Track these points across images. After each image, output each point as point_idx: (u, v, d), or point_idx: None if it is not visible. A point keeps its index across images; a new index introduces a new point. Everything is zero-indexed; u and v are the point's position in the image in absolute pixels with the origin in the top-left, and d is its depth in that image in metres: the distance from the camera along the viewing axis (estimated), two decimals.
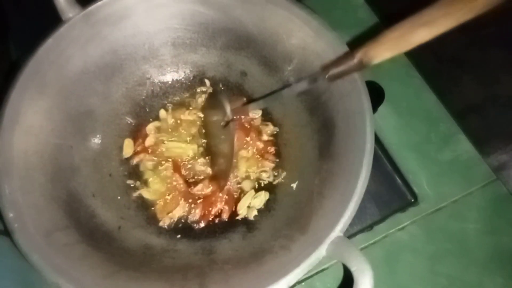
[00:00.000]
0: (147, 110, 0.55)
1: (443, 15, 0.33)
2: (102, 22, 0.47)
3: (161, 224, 0.49)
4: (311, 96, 0.49)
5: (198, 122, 0.55)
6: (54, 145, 0.45)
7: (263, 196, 0.51)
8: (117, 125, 0.53)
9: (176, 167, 0.52)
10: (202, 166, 0.53)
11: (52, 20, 0.45)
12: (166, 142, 0.53)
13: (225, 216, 0.51)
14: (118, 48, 0.50)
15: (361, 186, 0.39)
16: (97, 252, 0.41)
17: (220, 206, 0.51)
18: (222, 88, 0.56)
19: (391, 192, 0.56)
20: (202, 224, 0.50)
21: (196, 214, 0.50)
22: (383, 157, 0.57)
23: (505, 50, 0.53)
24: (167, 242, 0.47)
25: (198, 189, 0.51)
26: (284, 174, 0.52)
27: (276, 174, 0.53)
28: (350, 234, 0.53)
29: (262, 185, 0.53)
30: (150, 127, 0.54)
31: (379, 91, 0.56)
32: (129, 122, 0.54)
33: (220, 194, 0.51)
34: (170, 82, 0.56)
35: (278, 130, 0.54)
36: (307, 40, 0.47)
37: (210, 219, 0.51)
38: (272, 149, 0.54)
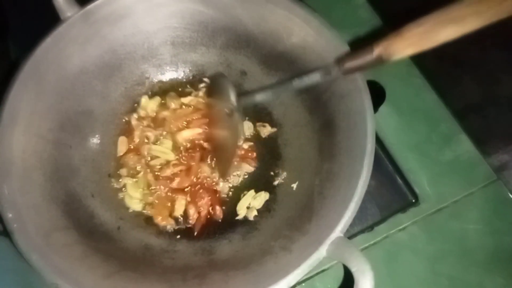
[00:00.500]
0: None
1: (473, 13, 0.32)
2: (101, 21, 0.47)
3: (162, 228, 0.49)
4: (312, 95, 0.49)
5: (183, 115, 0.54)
6: (53, 145, 0.45)
7: (263, 196, 0.51)
8: (116, 125, 0.52)
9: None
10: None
11: (51, 20, 0.45)
12: (150, 143, 0.53)
13: (218, 214, 0.50)
14: (117, 48, 0.50)
15: (362, 187, 0.39)
16: (97, 252, 0.41)
17: (207, 206, 0.50)
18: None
19: (392, 192, 0.55)
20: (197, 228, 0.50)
21: (193, 215, 0.50)
22: (384, 157, 0.57)
23: (506, 50, 0.53)
24: (166, 242, 0.47)
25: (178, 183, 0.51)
26: (284, 174, 0.52)
27: (276, 173, 0.53)
28: (350, 235, 0.52)
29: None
30: (134, 122, 0.53)
31: (380, 90, 0.56)
32: (124, 120, 0.53)
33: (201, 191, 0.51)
34: (169, 82, 0.56)
35: (276, 130, 0.54)
36: (308, 39, 0.46)
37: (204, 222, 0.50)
38: (253, 155, 0.53)
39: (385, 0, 0.66)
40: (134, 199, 0.50)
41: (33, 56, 0.43)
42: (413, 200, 0.55)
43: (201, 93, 0.56)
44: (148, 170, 0.51)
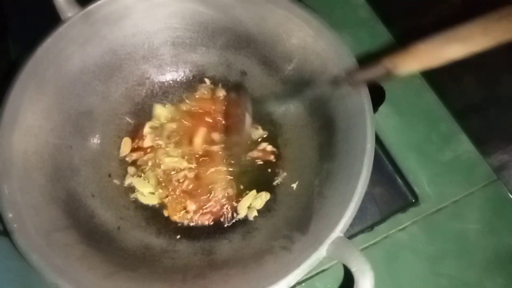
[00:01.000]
0: (146, 110, 0.54)
1: (481, 33, 0.32)
2: (102, 21, 0.47)
3: (180, 225, 0.50)
4: (312, 95, 0.49)
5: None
6: (53, 145, 0.45)
7: (264, 196, 0.51)
8: (117, 125, 0.52)
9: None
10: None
11: (51, 19, 0.45)
12: (162, 154, 0.53)
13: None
14: (118, 48, 0.50)
15: (362, 187, 0.39)
16: (97, 252, 0.41)
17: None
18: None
19: (391, 192, 0.56)
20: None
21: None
22: (383, 157, 0.57)
23: (507, 49, 0.53)
24: (166, 242, 0.47)
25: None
26: (284, 174, 0.52)
27: (275, 173, 0.53)
28: (350, 235, 0.52)
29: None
30: (147, 129, 0.53)
31: (380, 91, 0.56)
32: (128, 122, 0.53)
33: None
34: (169, 82, 0.56)
35: (267, 134, 0.54)
36: (307, 39, 0.46)
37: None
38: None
39: (385, 0, 0.66)
40: (146, 194, 0.50)
41: (33, 56, 0.43)
42: (413, 200, 0.55)
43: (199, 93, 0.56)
44: (157, 168, 0.52)
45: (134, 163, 0.52)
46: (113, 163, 0.51)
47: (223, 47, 0.53)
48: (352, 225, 0.38)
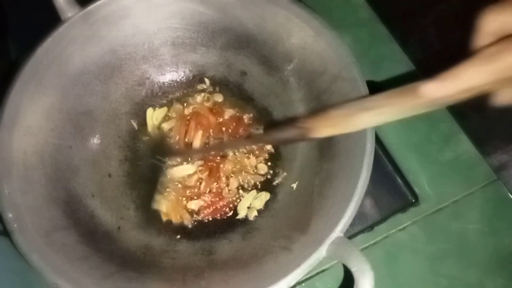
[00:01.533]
0: (146, 110, 0.55)
1: (387, 105, 0.34)
2: (102, 21, 0.47)
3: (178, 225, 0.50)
4: (312, 96, 0.49)
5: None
6: (53, 145, 0.45)
7: (264, 196, 0.51)
8: (117, 125, 0.53)
9: None
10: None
11: (50, 19, 0.45)
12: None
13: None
14: (118, 48, 0.50)
15: (362, 186, 0.39)
16: (97, 252, 0.41)
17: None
18: None
19: (391, 192, 0.55)
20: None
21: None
22: (383, 157, 0.57)
23: None
24: (166, 242, 0.47)
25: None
26: (284, 174, 0.52)
27: (275, 173, 0.53)
28: (350, 235, 0.52)
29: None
30: None
31: (379, 90, 0.56)
32: (131, 125, 0.54)
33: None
34: (169, 82, 0.56)
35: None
36: (307, 39, 0.46)
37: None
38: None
39: (384, 0, 0.66)
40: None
41: (33, 56, 0.43)
42: (413, 200, 0.55)
43: (198, 98, 0.56)
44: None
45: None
46: (113, 163, 0.51)
47: (223, 47, 0.53)
48: (352, 225, 0.38)
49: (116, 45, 0.49)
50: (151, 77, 0.54)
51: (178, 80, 0.56)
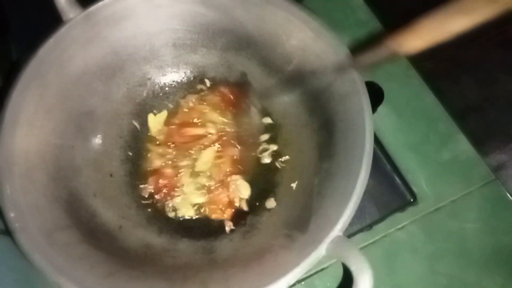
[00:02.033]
0: (148, 111, 0.55)
1: (487, 1, 0.31)
2: (103, 22, 0.47)
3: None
4: (311, 96, 0.49)
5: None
6: (55, 145, 0.45)
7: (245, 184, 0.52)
8: (118, 126, 0.53)
9: None
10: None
11: (51, 20, 0.45)
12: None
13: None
14: (119, 49, 0.50)
15: (361, 186, 0.39)
16: (98, 251, 0.41)
17: None
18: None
19: (390, 191, 0.56)
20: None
21: None
22: (382, 157, 0.57)
23: (504, 50, 0.53)
24: (168, 241, 0.47)
25: None
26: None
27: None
28: (349, 234, 0.53)
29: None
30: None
31: (379, 91, 0.56)
32: (134, 126, 0.54)
33: None
34: (170, 83, 0.56)
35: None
36: (307, 41, 0.47)
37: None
38: None
39: (383, 2, 0.66)
40: (188, 210, 0.51)
41: (35, 57, 0.43)
42: (411, 200, 0.55)
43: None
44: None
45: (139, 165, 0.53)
46: (115, 163, 0.51)
47: (223, 49, 0.53)
48: (351, 224, 0.38)
49: (117, 46, 0.50)
50: (152, 78, 0.55)
51: (179, 81, 0.56)
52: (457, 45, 0.57)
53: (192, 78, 0.56)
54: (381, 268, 0.52)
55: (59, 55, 0.45)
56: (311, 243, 0.38)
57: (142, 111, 0.55)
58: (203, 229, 0.50)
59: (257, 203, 0.51)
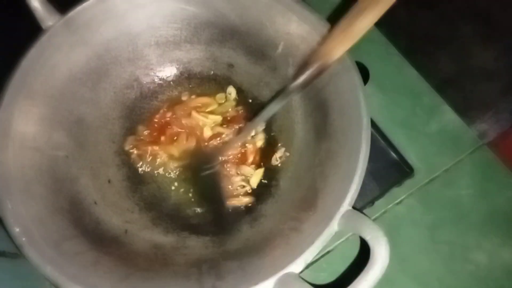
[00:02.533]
0: (138, 112, 0.54)
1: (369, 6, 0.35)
2: (83, 27, 0.46)
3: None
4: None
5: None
6: (49, 157, 0.44)
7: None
8: (110, 131, 0.52)
9: None
10: None
11: (31, 30, 0.44)
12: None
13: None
14: (102, 52, 0.49)
15: (363, 160, 0.39)
16: (109, 257, 0.40)
17: None
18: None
19: (387, 166, 0.57)
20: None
21: None
22: (375, 133, 0.58)
23: (473, 23, 0.55)
24: (175, 240, 0.47)
25: None
26: (282, 159, 0.53)
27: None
28: None
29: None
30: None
31: (364, 70, 0.57)
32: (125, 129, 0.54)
33: None
34: (158, 82, 0.55)
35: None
36: (291, 25, 0.47)
37: None
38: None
39: None
40: None
41: (19, 68, 0.42)
42: (409, 171, 0.57)
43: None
44: None
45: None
46: (112, 169, 0.51)
47: (207, 42, 0.53)
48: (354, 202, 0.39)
49: (100, 49, 0.49)
50: (138, 79, 0.54)
51: (166, 79, 0.56)
52: (427, 23, 0.59)
53: (179, 75, 0.56)
54: None
55: (43, 64, 0.44)
56: (322, 221, 0.38)
57: (132, 114, 0.54)
58: (210, 223, 0.49)
59: (261, 191, 0.52)
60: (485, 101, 0.58)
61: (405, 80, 0.62)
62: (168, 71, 0.56)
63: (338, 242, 0.53)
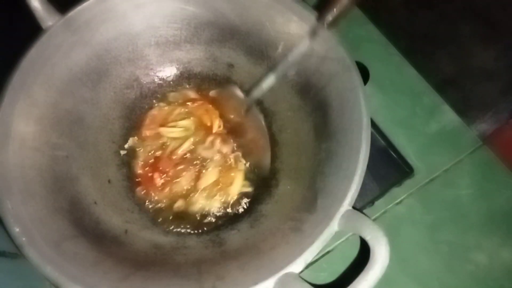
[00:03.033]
0: (138, 112, 0.54)
1: None
2: (83, 27, 0.46)
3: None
4: (301, 79, 0.50)
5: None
6: (49, 157, 0.44)
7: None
8: (110, 131, 0.52)
9: None
10: None
11: (31, 30, 0.44)
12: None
13: None
14: (102, 53, 0.49)
15: (363, 160, 0.40)
16: (109, 257, 0.40)
17: None
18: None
19: (387, 166, 0.57)
20: None
21: None
22: (375, 133, 0.58)
23: (473, 23, 0.55)
24: (175, 240, 0.47)
25: None
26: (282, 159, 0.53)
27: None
28: None
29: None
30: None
31: (364, 70, 0.57)
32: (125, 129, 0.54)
33: None
34: (158, 82, 0.56)
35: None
36: (291, 24, 0.47)
37: None
38: None
39: None
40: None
41: (19, 69, 0.42)
42: (409, 171, 0.57)
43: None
44: None
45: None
46: (111, 169, 0.51)
47: (207, 42, 0.53)
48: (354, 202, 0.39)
49: (100, 49, 0.49)
50: (138, 79, 0.54)
51: (166, 79, 0.56)
52: (427, 23, 0.59)
53: (179, 75, 0.56)
54: None
55: (43, 64, 0.44)
56: (322, 221, 0.38)
57: (132, 114, 0.54)
58: (209, 223, 0.50)
59: (260, 191, 0.52)
60: (485, 101, 0.57)
61: (405, 80, 0.62)
62: (168, 71, 0.56)
63: (338, 242, 0.53)
